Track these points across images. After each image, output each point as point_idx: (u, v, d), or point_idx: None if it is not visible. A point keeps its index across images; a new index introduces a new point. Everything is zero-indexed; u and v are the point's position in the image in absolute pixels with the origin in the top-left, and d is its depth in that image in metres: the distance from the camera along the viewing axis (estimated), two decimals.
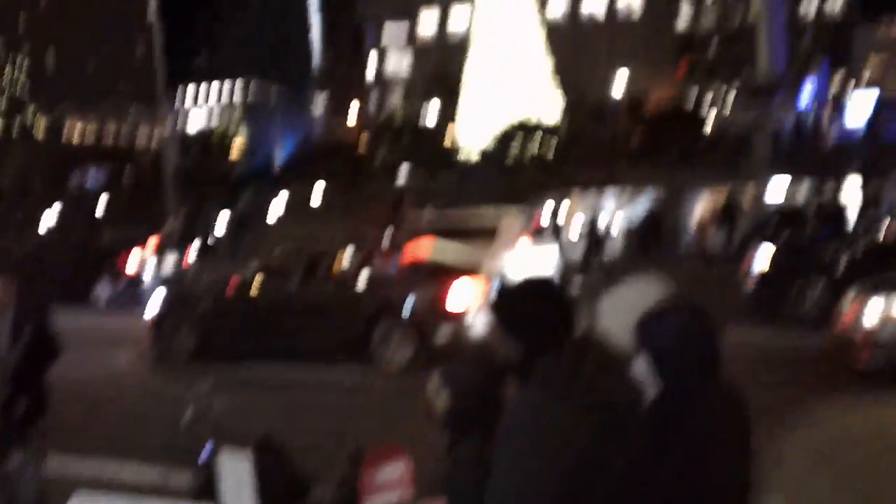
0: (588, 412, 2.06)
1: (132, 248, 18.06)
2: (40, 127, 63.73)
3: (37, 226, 36.65)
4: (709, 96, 69.89)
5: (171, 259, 18.60)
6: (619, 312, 2.50)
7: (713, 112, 64.07)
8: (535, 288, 2.35)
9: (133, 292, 16.93)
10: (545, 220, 17.22)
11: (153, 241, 18.94)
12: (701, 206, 27.57)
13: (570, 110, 60.15)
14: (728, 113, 62.42)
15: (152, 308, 11.67)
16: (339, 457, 5.89)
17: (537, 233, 16.11)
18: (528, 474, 2.03)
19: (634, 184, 31.53)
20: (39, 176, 61.46)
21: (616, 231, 27.81)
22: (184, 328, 11.31)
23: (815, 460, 3.91)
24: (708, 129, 55.53)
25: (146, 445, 7.21)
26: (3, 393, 5.04)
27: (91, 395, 9.27)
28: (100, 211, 44.83)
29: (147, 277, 17.36)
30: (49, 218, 39.70)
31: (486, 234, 14.70)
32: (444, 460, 2.62)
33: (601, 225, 28.05)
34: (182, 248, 24.45)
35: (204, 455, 5.53)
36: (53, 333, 5.38)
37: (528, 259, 13.62)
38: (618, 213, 29.41)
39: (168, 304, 11.63)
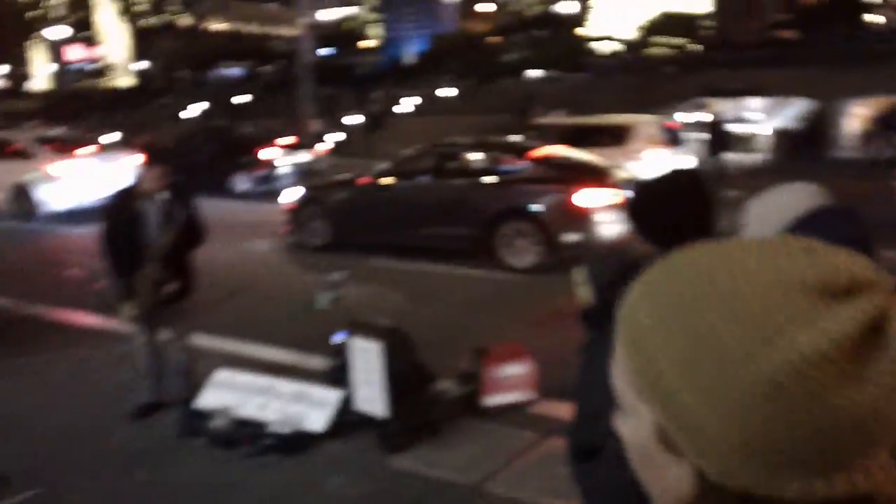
0: None
1: (269, 140, 18.59)
2: (184, 22, 65.56)
3: (181, 118, 38.19)
4: None
5: (304, 153, 19.04)
6: (767, 217, 2.41)
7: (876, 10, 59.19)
8: (670, 186, 2.23)
9: (268, 183, 17.59)
10: (683, 127, 16.31)
11: (289, 134, 19.40)
12: (858, 114, 25.96)
13: (720, 4, 56.93)
14: None
15: (289, 198, 12.10)
16: (463, 351, 6.08)
17: (672, 139, 15.28)
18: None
19: (784, 92, 29.86)
20: (184, 70, 63.70)
21: (763, 139, 26.59)
22: (319, 219, 11.71)
23: None
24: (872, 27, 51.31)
25: (283, 328, 7.58)
26: (156, 272, 5.39)
27: (232, 279, 9.75)
28: (239, 104, 46.14)
29: (282, 170, 17.85)
30: (192, 111, 41.23)
31: (617, 138, 14.31)
32: (578, 357, 2.61)
33: (746, 132, 26.91)
34: (318, 141, 25.19)
35: (336, 339, 5.81)
36: (200, 220, 5.67)
37: (660, 166, 13.19)
38: (765, 121, 28.03)
39: (305, 195, 12.02)
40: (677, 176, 2.28)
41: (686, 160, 14.53)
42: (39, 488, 4.67)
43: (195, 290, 5.79)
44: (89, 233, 13.20)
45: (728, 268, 0.67)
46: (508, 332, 7.12)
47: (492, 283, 9.79)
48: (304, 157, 18.83)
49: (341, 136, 28.20)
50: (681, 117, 29.62)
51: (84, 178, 14.55)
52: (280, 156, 18.03)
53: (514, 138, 13.87)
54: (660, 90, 36.14)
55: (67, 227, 13.95)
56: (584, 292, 2.62)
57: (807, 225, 2.21)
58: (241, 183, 17.61)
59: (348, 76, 50.99)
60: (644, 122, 15.25)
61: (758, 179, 18.96)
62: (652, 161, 13.32)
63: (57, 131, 18.24)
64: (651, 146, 14.23)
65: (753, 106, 29.20)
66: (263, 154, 17.93)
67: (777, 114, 28.01)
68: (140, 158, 5.86)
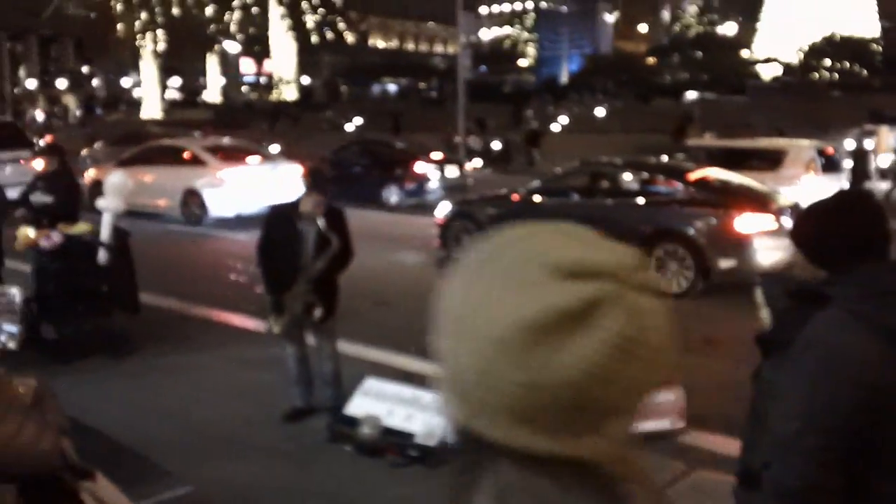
0: (892, 343, 1.89)
1: (422, 154, 18.97)
2: (349, 39, 68.02)
3: (342, 131, 39.48)
4: None
5: (456, 167, 19.29)
6: None
7: None
8: (838, 207, 2.17)
9: (420, 196, 17.95)
10: (840, 154, 15.48)
11: (441, 149, 19.72)
12: None
13: (891, 27, 53.86)
14: None
15: (442, 211, 12.26)
16: None
17: (828, 165, 14.59)
18: (818, 403, 1.93)
19: None
20: (346, 85, 66.09)
21: None
22: (469, 234, 11.80)
23: None
24: None
25: (428, 341, 7.65)
26: (307, 295, 5.59)
27: (380, 290, 9.96)
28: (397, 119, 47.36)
29: (433, 183, 18.18)
30: (353, 124, 42.58)
31: (772, 162, 13.80)
32: (752, 384, 2.51)
33: None
34: (470, 156, 25.53)
35: None
36: (350, 245, 5.82)
37: (814, 192, 12.51)
38: None
39: (456, 209, 12.15)
40: (845, 197, 2.21)
41: (842, 187, 13.81)
42: (192, 485, 4.88)
43: (339, 304, 5.94)
44: (252, 239, 13.91)
45: (516, 245, 0.81)
46: None
47: None
48: (454, 171, 19.12)
49: (496, 151, 28.42)
50: (842, 144, 28.19)
51: (250, 185, 15.16)
52: (432, 170, 18.38)
53: (669, 159, 13.60)
54: (823, 114, 34.51)
55: (233, 233, 14.64)
56: (763, 315, 2.51)
57: None
58: (394, 195, 18.05)
59: (504, 94, 51.37)
60: (800, 147, 14.72)
61: None
62: (808, 187, 12.73)
63: (226, 140, 19.19)
64: (807, 172, 13.73)
65: None
66: (416, 168, 18.31)
67: None
68: (300, 171, 6.09)
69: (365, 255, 11.80)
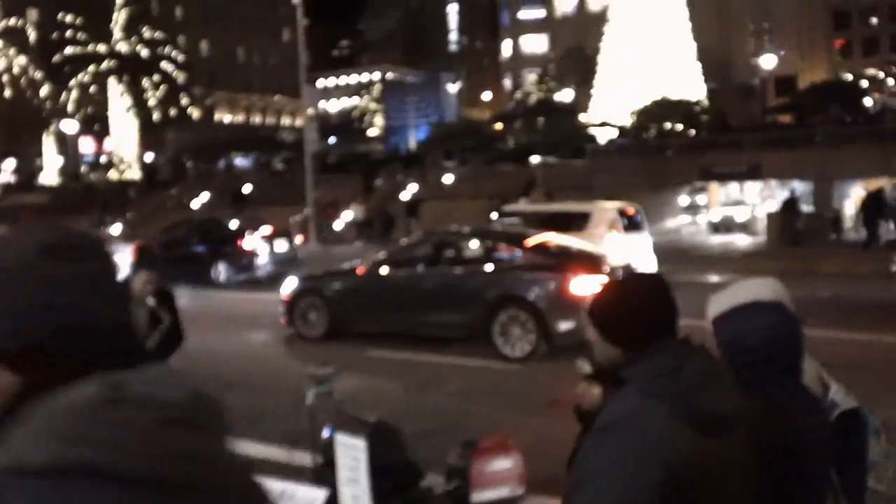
0: (690, 421, 1.96)
1: (251, 230, 19.05)
2: (194, 115, 66.99)
3: (190, 209, 38.61)
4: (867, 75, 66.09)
5: (285, 241, 19.45)
6: (718, 302, 2.46)
7: (870, 93, 60.29)
8: (635, 288, 2.24)
9: (249, 272, 17.93)
10: (638, 212, 16.83)
11: (268, 225, 19.81)
12: (852, 198, 26.18)
13: (715, 89, 58.06)
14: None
15: (288, 288, 12.16)
16: (452, 445, 6.02)
17: (630, 225, 15.87)
18: (614, 484, 1.95)
19: (780, 175, 30.02)
20: (192, 161, 64.75)
21: (760, 222, 26.73)
22: (316, 309, 11.74)
23: None
24: (866, 110, 52.06)
25: (273, 423, 7.52)
26: None
27: (227, 372, 9.73)
28: (245, 193, 46.78)
29: (263, 258, 18.28)
30: (199, 201, 41.74)
31: (580, 222, 14.91)
32: (576, 452, 2.51)
33: (740, 216, 27.04)
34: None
35: (324, 435, 5.77)
36: (181, 325, 5.72)
37: (618, 250, 13.44)
38: (761, 204, 28.22)
39: (301, 285, 12.08)
40: (639, 279, 2.29)
41: (640, 244, 15.04)
42: None
43: None
44: None
45: None
46: (502, 423, 7.07)
47: (488, 373, 9.75)
48: (284, 246, 19.25)
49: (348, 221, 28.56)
50: (677, 200, 29.80)
51: None
52: (261, 245, 18.48)
53: (506, 226, 14.17)
54: (658, 172, 36.56)
55: None
56: (596, 390, 2.54)
57: (735, 314, 2.31)
58: (223, 273, 17.87)
59: (354, 165, 51.74)
60: (604, 209, 16.00)
61: (752, 262, 18.99)
62: (611, 244, 13.76)
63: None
64: (610, 230, 15.00)
65: (750, 189, 29.49)
66: (245, 244, 18.31)
67: (772, 196, 28.26)
68: (130, 257, 5.96)
69: (207, 336, 11.55)
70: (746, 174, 29.94)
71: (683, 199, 30.60)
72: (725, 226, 27.31)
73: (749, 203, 28.29)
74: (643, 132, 51.57)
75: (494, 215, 17.96)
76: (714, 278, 16.52)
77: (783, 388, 2.26)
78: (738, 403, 2.05)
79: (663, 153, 43.27)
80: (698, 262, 19.49)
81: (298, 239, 20.37)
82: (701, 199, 29.88)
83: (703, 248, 24.09)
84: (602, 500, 1.98)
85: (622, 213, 15.97)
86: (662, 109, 52.16)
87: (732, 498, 2.04)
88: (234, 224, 19.88)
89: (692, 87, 57.96)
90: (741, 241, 25.45)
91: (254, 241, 18.47)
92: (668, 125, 51.59)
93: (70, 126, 61.26)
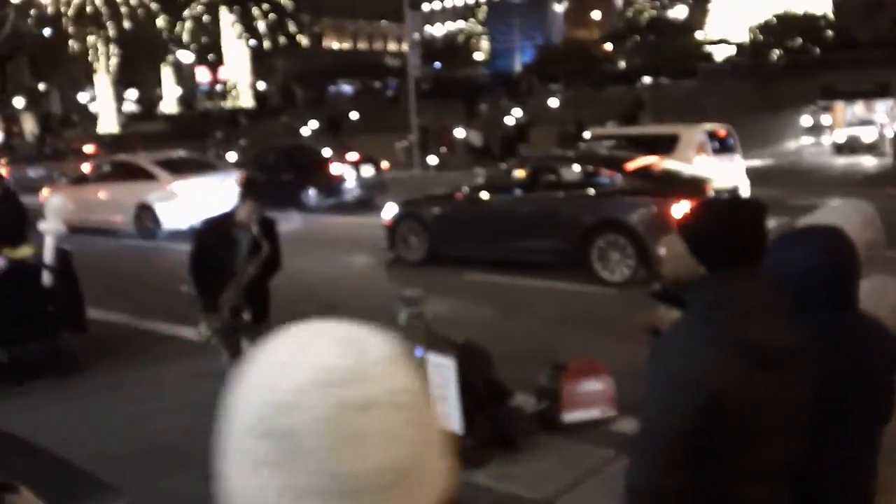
0: (734, 350, 1.98)
1: (339, 157, 19.43)
2: (302, 42, 67.71)
3: (300, 136, 39.41)
4: None
5: (371, 167, 19.76)
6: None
7: None
8: (731, 208, 2.26)
9: (338, 197, 18.41)
10: (730, 134, 16.22)
11: (354, 151, 20.17)
12: None
13: (841, 2, 54.64)
14: None
15: (388, 213, 12.42)
16: (543, 367, 6.14)
17: (721, 147, 15.36)
18: (662, 406, 2.03)
19: None
20: (301, 88, 65.81)
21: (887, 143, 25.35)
22: (415, 234, 11.97)
23: None
24: None
25: None
26: (237, 299, 5.72)
27: (326, 294, 10.10)
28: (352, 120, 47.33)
29: (350, 183, 18.71)
30: (309, 128, 42.48)
31: (667, 146, 14.42)
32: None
33: (867, 137, 25.69)
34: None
35: (416, 355, 5.99)
36: (280, 252, 5.97)
37: (706, 172, 13.05)
38: (889, 125, 26.69)
39: (401, 210, 12.31)
40: (738, 200, 2.27)
41: (731, 168, 14.53)
42: (130, 498, 5.00)
43: (270, 314, 6.04)
44: None
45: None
46: (594, 347, 7.15)
47: (584, 297, 9.80)
48: (370, 171, 19.61)
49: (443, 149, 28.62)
50: (798, 120, 28.58)
51: (202, 197, 15.25)
52: (348, 171, 18.88)
53: (602, 150, 13.97)
54: (775, 94, 35.01)
55: (182, 245, 14.68)
56: (675, 315, 2.60)
57: (778, 243, 2.31)
58: (312, 197, 18.41)
59: (458, 89, 51.45)
60: (692, 131, 15.45)
61: (874, 185, 18.13)
62: (701, 167, 13.33)
63: (178, 153, 19.19)
64: (699, 154, 14.54)
65: (879, 108, 27.95)
66: (332, 169, 18.76)
67: None
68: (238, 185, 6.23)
69: (310, 259, 11.95)
70: (873, 93, 28.32)
71: (805, 120, 29.22)
72: (850, 147, 26.02)
73: (877, 123, 26.78)
74: (762, 50, 49.22)
75: (587, 135, 17.79)
76: (834, 202, 15.85)
77: (825, 319, 2.21)
78: (792, 336, 2.05)
79: (781, 72, 41.33)
80: (818, 185, 18.76)
81: (385, 164, 20.63)
82: (825, 119, 28.48)
83: (824, 170, 23.10)
84: (646, 420, 2.08)
85: (712, 135, 15.46)
86: (783, 25, 49.58)
87: (781, 430, 2.05)
88: (326, 151, 20.19)
89: (816, 1, 54.75)
90: (867, 162, 24.28)
91: (341, 167, 18.83)
92: (789, 42, 49.06)
93: (186, 56, 63.02)
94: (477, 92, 48.14)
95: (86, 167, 19.24)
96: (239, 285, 5.69)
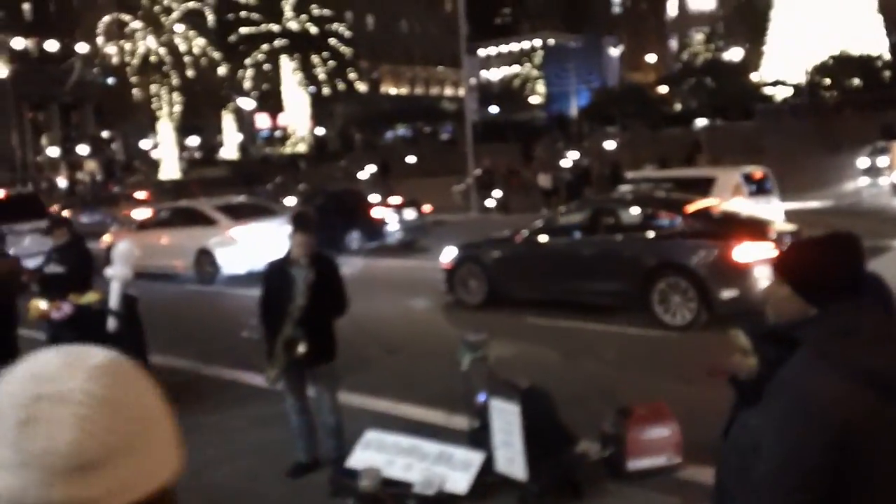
0: (864, 382, 1.95)
1: (382, 200, 19.81)
2: (360, 88, 68.99)
3: (357, 180, 39.89)
4: None
5: (413, 210, 20.02)
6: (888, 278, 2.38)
7: None
8: (831, 243, 2.21)
9: (380, 239, 18.68)
10: (766, 176, 16.03)
11: (405, 195, 20.58)
12: None
13: None
14: None
15: (448, 256, 12.43)
16: (608, 411, 6.04)
17: (758, 189, 15.27)
18: (790, 445, 1.99)
19: None
20: (360, 133, 66.86)
21: None
22: (475, 277, 11.96)
23: None
24: None
25: (431, 387, 7.77)
26: (289, 332, 5.72)
27: (391, 337, 10.11)
28: (411, 163, 47.79)
29: (392, 226, 19.00)
30: (367, 172, 43.01)
31: (704, 188, 14.34)
32: (731, 422, 2.55)
33: None
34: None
35: (479, 399, 5.94)
36: (342, 287, 5.97)
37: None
38: None
39: (461, 253, 12.31)
40: (836, 235, 2.26)
41: (767, 209, 14.33)
42: None
43: (336, 353, 6.05)
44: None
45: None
46: (659, 392, 7.00)
47: (645, 341, 9.65)
48: (412, 214, 19.84)
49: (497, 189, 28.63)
50: (855, 161, 28.05)
51: (260, 242, 15.44)
52: (390, 214, 19.21)
53: (659, 192, 13.91)
54: (834, 133, 34.46)
55: (245, 289, 14.88)
56: (751, 361, 2.55)
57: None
58: (356, 240, 18.64)
59: (515, 132, 51.72)
60: (728, 174, 15.47)
61: None
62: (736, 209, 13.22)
63: (238, 198, 19.56)
64: (734, 196, 14.42)
65: None
66: (374, 213, 19.07)
67: None
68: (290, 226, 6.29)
69: (371, 302, 11.97)
70: None
71: (863, 161, 28.74)
72: None
73: None
74: (819, 90, 48.62)
75: (630, 177, 17.77)
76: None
77: None
78: None
79: (840, 112, 40.71)
80: (879, 226, 18.32)
81: (427, 207, 20.88)
82: (883, 160, 27.92)
83: (884, 211, 22.54)
84: (774, 461, 2.02)
85: (749, 177, 15.37)
86: (840, 65, 48.94)
87: None
88: (373, 195, 20.59)
89: (873, 40, 53.98)
90: None
91: (383, 210, 19.14)
92: (846, 82, 48.39)
93: (246, 103, 64.64)
94: (533, 135, 48.32)
95: (139, 213, 19.77)
96: (291, 318, 5.69)
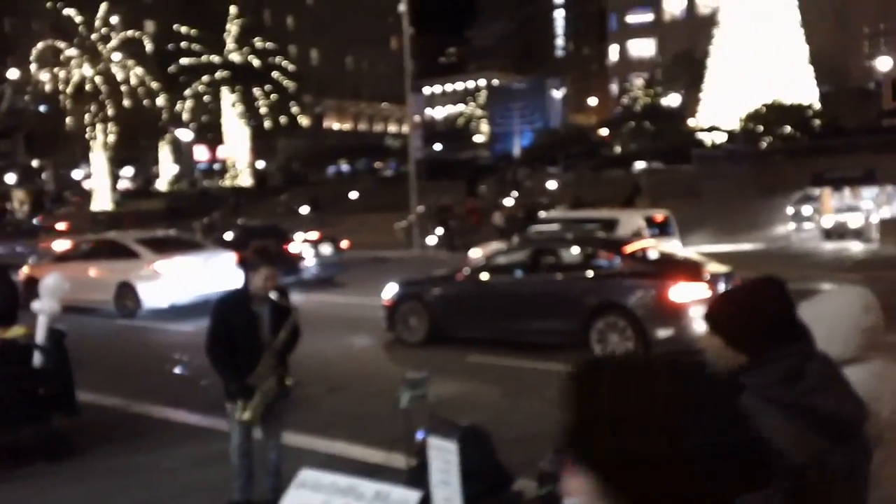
0: (809, 425, 1.97)
1: (297, 235, 19.96)
2: (303, 123, 68.76)
3: (299, 215, 39.66)
4: None
5: (330, 245, 20.12)
6: (816, 322, 2.40)
7: None
8: (754, 291, 2.22)
9: (296, 275, 18.59)
10: (669, 219, 16.50)
11: (313, 231, 20.81)
12: None
13: (829, 92, 55.91)
14: None
15: (389, 293, 12.35)
16: (547, 450, 6.02)
17: (660, 231, 15.63)
18: None
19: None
20: (302, 168, 66.54)
21: (874, 228, 25.58)
22: (416, 314, 11.90)
23: None
24: None
25: (371, 426, 7.65)
26: (272, 371, 5.59)
27: (332, 376, 9.98)
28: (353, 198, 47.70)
29: (309, 261, 19.03)
30: (308, 207, 42.76)
31: (607, 230, 14.71)
32: None
33: (854, 223, 26.01)
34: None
35: (418, 438, 5.87)
36: (299, 320, 5.89)
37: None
38: (875, 210, 26.99)
39: (402, 291, 12.25)
40: (759, 282, 2.26)
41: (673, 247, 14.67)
42: None
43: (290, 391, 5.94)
44: (190, 330, 13.93)
45: None
46: None
47: None
48: (329, 249, 19.98)
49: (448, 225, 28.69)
50: (786, 206, 28.90)
51: (183, 276, 15.44)
52: (306, 249, 19.26)
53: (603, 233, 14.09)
54: (768, 179, 35.46)
55: (169, 324, 14.69)
56: None
57: None
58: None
59: (459, 170, 52.05)
60: (630, 217, 15.79)
61: (864, 269, 18.20)
62: None
63: (164, 232, 19.27)
64: (637, 238, 14.56)
65: (865, 195, 28.30)
66: (290, 248, 19.06)
67: (888, 202, 26.99)
68: (234, 258, 6.18)
69: (311, 339, 11.81)
70: (861, 179, 28.79)
71: (795, 205, 29.72)
72: (838, 232, 26.26)
73: (864, 209, 27.12)
74: (753, 137, 50.12)
75: (543, 217, 18.03)
76: (825, 286, 15.93)
77: None
78: (857, 407, 2.05)
79: (774, 158, 41.96)
80: (809, 269, 18.84)
81: (344, 243, 20.96)
82: (813, 205, 28.87)
83: (814, 254, 23.21)
84: None
85: (650, 220, 15.68)
86: (773, 114, 50.60)
87: (857, 501, 2.04)
88: (299, 231, 20.85)
89: (804, 90, 56.01)
90: (854, 247, 24.43)
91: (298, 245, 19.16)
92: (779, 130, 50.01)
93: (185, 134, 63.82)
94: (477, 173, 48.71)
95: (59, 245, 19.40)
96: (274, 356, 5.57)
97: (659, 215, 16.26)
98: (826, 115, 52.93)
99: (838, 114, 53.21)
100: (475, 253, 17.68)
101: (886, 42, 68.46)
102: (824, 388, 2.01)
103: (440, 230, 28.82)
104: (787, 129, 49.14)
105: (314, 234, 20.30)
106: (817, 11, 62.79)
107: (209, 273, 15.38)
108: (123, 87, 57.49)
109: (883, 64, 61.54)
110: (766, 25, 57.59)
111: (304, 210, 41.68)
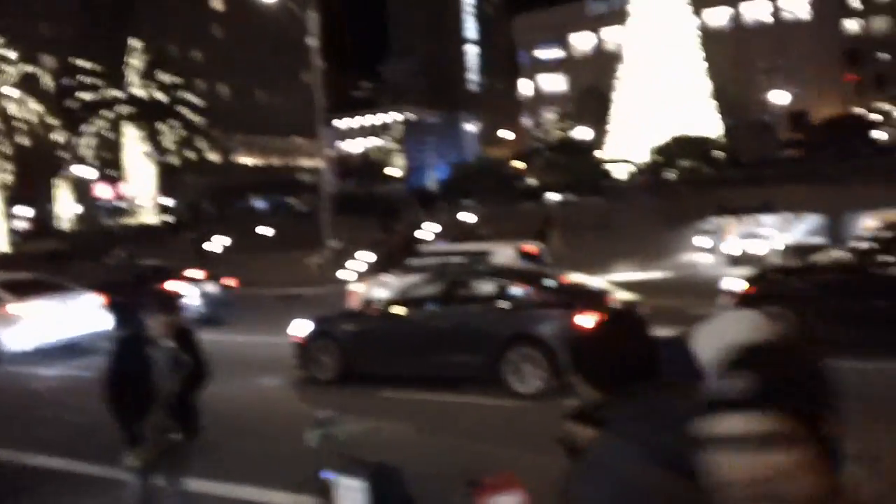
0: (663, 462, 1.91)
1: (178, 273, 19.70)
2: (212, 158, 67.54)
3: (210, 253, 38.75)
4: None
5: (214, 283, 20.00)
6: (705, 345, 2.38)
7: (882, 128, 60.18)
8: (601, 332, 2.21)
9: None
10: (540, 251, 16.92)
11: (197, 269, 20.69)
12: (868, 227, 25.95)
13: (731, 126, 58.11)
14: None
15: (301, 330, 12.06)
16: (459, 484, 5.92)
17: (531, 263, 15.80)
18: None
19: (793, 208, 30.07)
20: (211, 204, 65.18)
21: (775, 255, 26.60)
22: (327, 352, 11.65)
23: None
24: (877, 144, 52.05)
25: (277, 468, 7.44)
26: (164, 419, 5.36)
27: (237, 418, 9.67)
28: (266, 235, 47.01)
29: (192, 300, 18.40)
30: (220, 244, 41.85)
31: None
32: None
33: (757, 250, 27.01)
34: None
35: (327, 477, 5.70)
36: (206, 362, 5.68)
37: None
38: (776, 237, 28.10)
39: (314, 328, 11.98)
40: (615, 321, 2.25)
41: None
42: None
43: (199, 433, 5.71)
44: (57, 374, 13.36)
45: None
46: (512, 462, 6.95)
47: (500, 411, 9.65)
48: (214, 287, 19.85)
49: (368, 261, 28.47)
50: (691, 237, 29.72)
51: (47, 318, 15.02)
52: (187, 287, 18.79)
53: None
54: (676, 209, 36.46)
55: (33, 368, 14.11)
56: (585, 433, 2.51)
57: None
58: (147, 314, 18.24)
59: (373, 205, 51.89)
60: (501, 249, 16.00)
61: None
62: None
63: (27, 274, 18.34)
64: None
65: (766, 223, 29.45)
66: (168, 287, 18.41)
67: (789, 229, 28.08)
68: (100, 301, 5.95)
69: (219, 379, 11.45)
70: (760, 208, 30.13)
71: (700, 234, 30.74)
72: (743, 259, 27.17)
73: (765, 236, 28.26)
74: (660, 169, 51.61)
75: (422, 250, 18.13)
76: (725, 311, 16.31)
77: None
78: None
79: (679, 189, 43.30)
80: (714, 295, 19.38)
81: (232, 282, 20.78)
82: (718, 233, 29.91)
83: (719, 281, 23.93)
84: None
85: (523, 253, 15.90)
86: (679, 147, 52.23)
87: None
88: (191, 270, 20.55)
89: (708, 124, 58.09)
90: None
91: (178, 284, 18.73)
92: (683, 162, 51.65)
93: (86, 172, 61.81)
94: (392, 208, 48.64)
95: None
96: (163, 405, 5.34)
97: (532, 248, 16.50)
98: (728, 148, 54.94)
99: (740, 146, 55.33)
100: (357, 287, 17.52)
101: (784, 77, 71.73)
102: (679, 425, 1.99)
103: (353, 264, 28.60)
104: (692, 161, 50.79)
105: (199, 273, 20.09)
106: (719, 49, 65.40)
107: (71, 316, 15.25)
108: (22, 125, 55.36)
109: (779, 97, 64.40)
110: (669, 62, 59.66)
111: (212, 247, 40.78)
